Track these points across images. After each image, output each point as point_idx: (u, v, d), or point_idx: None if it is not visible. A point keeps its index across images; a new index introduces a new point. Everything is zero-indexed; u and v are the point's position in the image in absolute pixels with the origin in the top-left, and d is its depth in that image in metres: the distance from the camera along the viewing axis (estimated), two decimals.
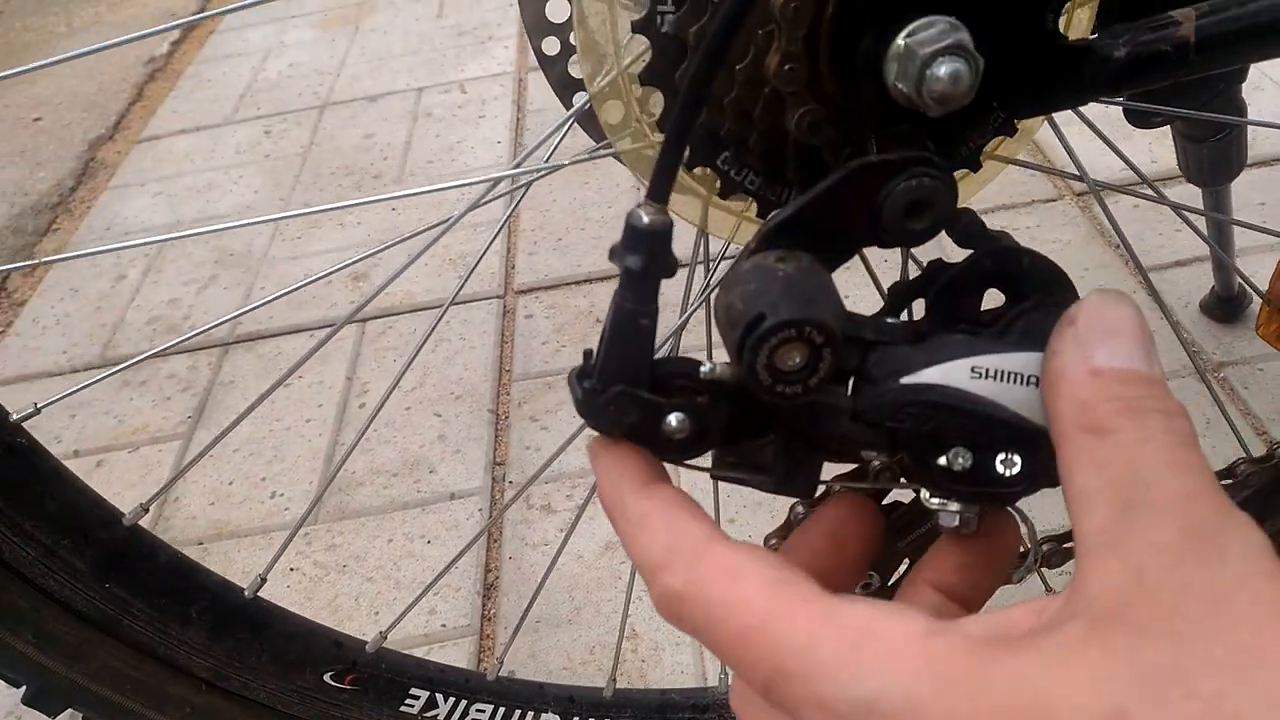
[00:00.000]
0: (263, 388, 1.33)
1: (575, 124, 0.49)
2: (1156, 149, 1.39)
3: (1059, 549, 0.57)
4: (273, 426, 1.26)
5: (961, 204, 0.33)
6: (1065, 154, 0.55)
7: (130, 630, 0.54)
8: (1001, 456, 0.31)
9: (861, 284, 0.52)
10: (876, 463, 0.36)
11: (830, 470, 0.34)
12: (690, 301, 0.56)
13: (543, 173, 0.50)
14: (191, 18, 2.46)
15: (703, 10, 0.36)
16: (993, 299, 0.33)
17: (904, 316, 0.34)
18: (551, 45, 0.50)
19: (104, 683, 0.54)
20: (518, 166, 0.51)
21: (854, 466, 0.34)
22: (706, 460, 0.33)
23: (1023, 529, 0.35)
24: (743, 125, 0.37)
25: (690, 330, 0.59)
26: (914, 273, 0.35)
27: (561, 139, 0.50)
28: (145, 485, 1.20)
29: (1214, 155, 0.94)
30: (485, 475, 1.15)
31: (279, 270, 1.54)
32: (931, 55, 0.30)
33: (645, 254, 0.29)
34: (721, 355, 0.31)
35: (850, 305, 0.31)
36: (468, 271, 0.61)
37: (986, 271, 0.32)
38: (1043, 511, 0.45)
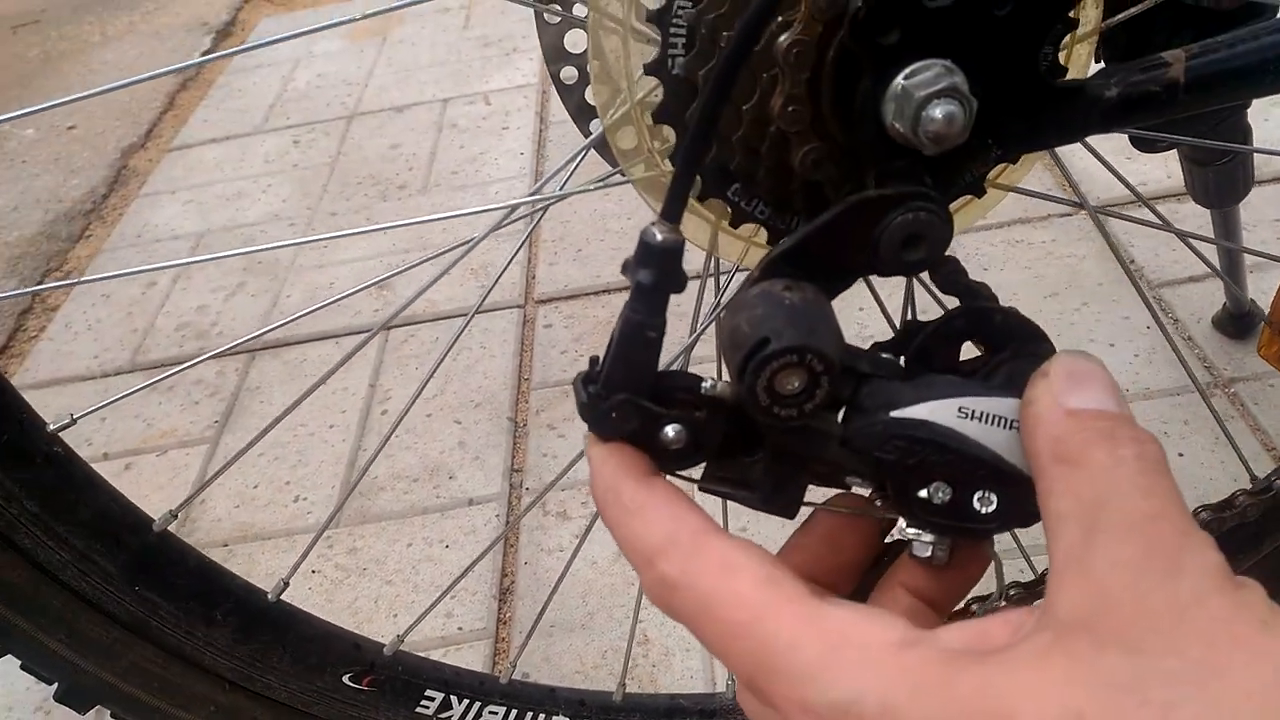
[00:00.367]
0: (289, 393, 1.36)
1: (592, 149, 0.51)
2: (1171, 164, 1.39)
3: (1027, 595, 0.59)
4: (297, 431, 1.28)
5: (971, 226, 0.34)
6: (1079, 170, 0.55)
7: (158, 631, 0.56)
8: (979, 494, 0.32)
9: (855, 304, 0.53)
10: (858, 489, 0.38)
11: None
12: (700, 320, 0.58)
13: (556, 200, 0.52)
14: (216, 50, 2.50)
15: (710, 54, 0.38)
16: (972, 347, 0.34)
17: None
18: (570, 74, 0.52)
19: (132, 681, 0.57)
20: (535, 194, 0.53)
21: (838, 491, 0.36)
22: (695, 472, 0.34)
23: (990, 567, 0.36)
24: (751, 161, 0.39)
25: (704, 342, 0.61)
26: (918, 291, 0.36)
27: (578, 166, 0.52)
28: (173, 488, 1.23)
29: (1220, 178, 0.94)
30: (503, 482, 1.17)
31: (306, 278, 1.57)
32: (927, 98, 0.32)
33: (657, 269, 0.30)
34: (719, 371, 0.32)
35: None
36: (490, 283, 0.63)
37: (960, 330, 0.34)
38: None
